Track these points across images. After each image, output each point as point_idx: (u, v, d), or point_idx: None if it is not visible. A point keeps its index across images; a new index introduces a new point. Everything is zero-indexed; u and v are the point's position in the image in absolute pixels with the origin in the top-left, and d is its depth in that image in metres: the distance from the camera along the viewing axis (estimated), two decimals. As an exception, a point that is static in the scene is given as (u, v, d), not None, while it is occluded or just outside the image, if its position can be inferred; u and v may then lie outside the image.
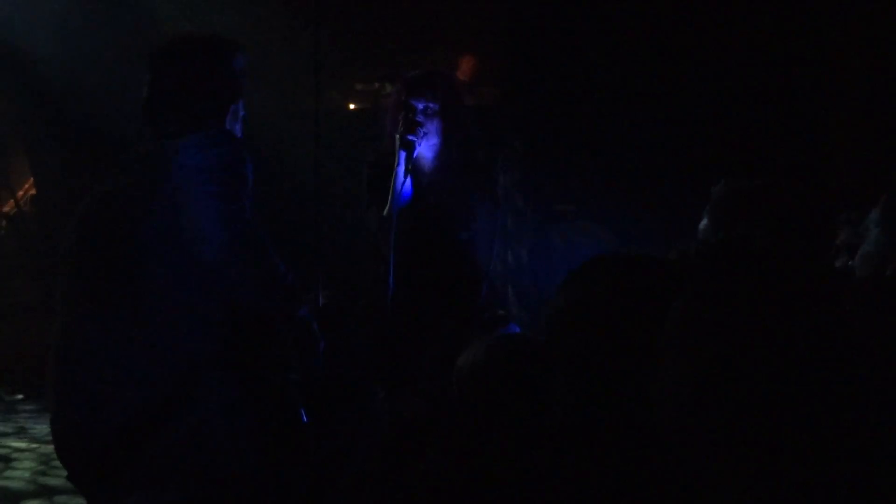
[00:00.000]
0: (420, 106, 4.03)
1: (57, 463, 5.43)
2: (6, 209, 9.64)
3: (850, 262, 3.18)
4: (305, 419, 2.55)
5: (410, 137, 3.95)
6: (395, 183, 3.91)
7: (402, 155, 3.92)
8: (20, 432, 6.43)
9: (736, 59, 6.43)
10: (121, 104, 7.40)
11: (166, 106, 2.59)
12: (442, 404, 3.70)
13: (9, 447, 6.03)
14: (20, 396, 7.46)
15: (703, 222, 3.06)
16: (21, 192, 9.75)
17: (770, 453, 1.26)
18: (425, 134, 4.01)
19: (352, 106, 8.90)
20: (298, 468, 2.52)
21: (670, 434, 1.37)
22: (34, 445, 6.05)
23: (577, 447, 1.74)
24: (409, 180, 3.92)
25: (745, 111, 6.39)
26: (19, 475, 5.47)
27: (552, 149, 7.00)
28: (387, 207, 3.91)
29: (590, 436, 1.69)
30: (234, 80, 2.70)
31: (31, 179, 9.34)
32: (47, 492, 5.14)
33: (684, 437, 1.35)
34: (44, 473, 5.47)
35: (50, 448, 5.93)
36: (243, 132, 2.72)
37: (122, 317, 2.40)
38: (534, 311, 6.66)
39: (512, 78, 7.63)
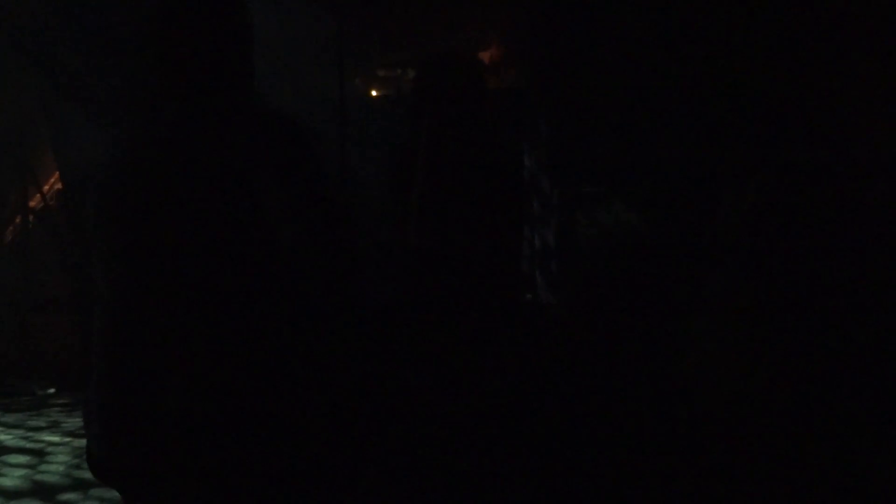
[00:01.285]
0: (443, 91, 3.95)
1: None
2: (33, 204, 9.67)
3: None
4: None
5: (434, 125, 3.88)
6: (419, 172, 3.87)
7: (427, 143, 3.87)
8: (53, 426, 6.46)
9: (766, 42, 6.36)
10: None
11: (180, 68, 2.46)
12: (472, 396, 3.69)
13: (43, 441, 6.05)
14: (52, 390, 7.50)
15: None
16: (47, 187, 9.78)
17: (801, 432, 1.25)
18: (449, 121, 3.94)
19: (374, 92, 8.88)
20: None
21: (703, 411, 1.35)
22: (67, 439, 6.08)
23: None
24: (434, 168, 3.88)
25: (774, 96, 6.33)
26: (54, 469, 5.49)
27: (578, 131, 6.95)
28: (412, 197, 3.87)
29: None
30: (248, 29, 2.54)
31: (57, 174, 9.38)
32: (83, 485, 5.15)
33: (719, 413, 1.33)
34: (78, 467, 5.48)
35: (83, 441, 5.97)
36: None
37: (179, 305, 2.33)
38: (561, 295, 6.63)
39: (537, 59, 7.58)
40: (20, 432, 6.34)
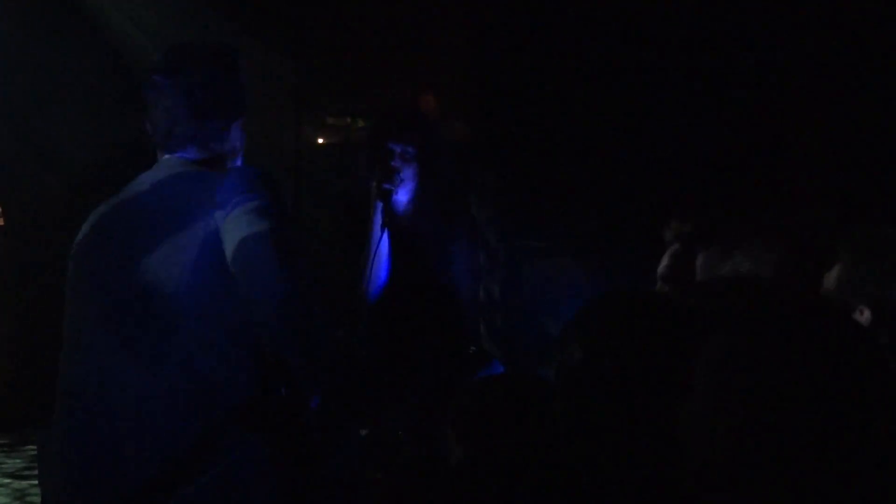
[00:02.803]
0: (398, 150, 3.94)
1: (33, 499, 5.41)
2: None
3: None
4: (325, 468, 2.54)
5: (387, 186, 3.87)
6: (371, 233, 3.87)
7: (379, 205, 3.87)
8: (-8, 468, 6.37)
9: (707, 92, 6.50)
10: (89, 132, 7.45)
11: (174, 122, 2.51)
12: (429, 451, 3.71)
13: (-19, 483, 5.96)
14: (-10, 430, 7.38)
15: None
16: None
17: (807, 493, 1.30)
18: (402, 181, 3.93)
19: (320, 140, 8.89)
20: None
21: (700, 476, 1.40)
22: (7, 481, 5.98)
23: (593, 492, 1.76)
24: (385, 228, 3.87)
25: (718, 147, 6.47)
26: (-6, 511, 5.43)
27: (524, 184, 7.04)
28: (364, 256, 3.88)
29: (609, 481, 1.71)
30: (243, 92, 2.62)
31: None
32: (23, 527, 5.11)
33: (717, 480, 1.38)
34: (19, 509, 5.43)
35: (24, 483, 5.89)
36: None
37: (148, 357, 2.34)
38: (505, 348, 6.69)
39: (482, 113, 7.67)
40: (-43, 474, 6.24)
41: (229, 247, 2.33)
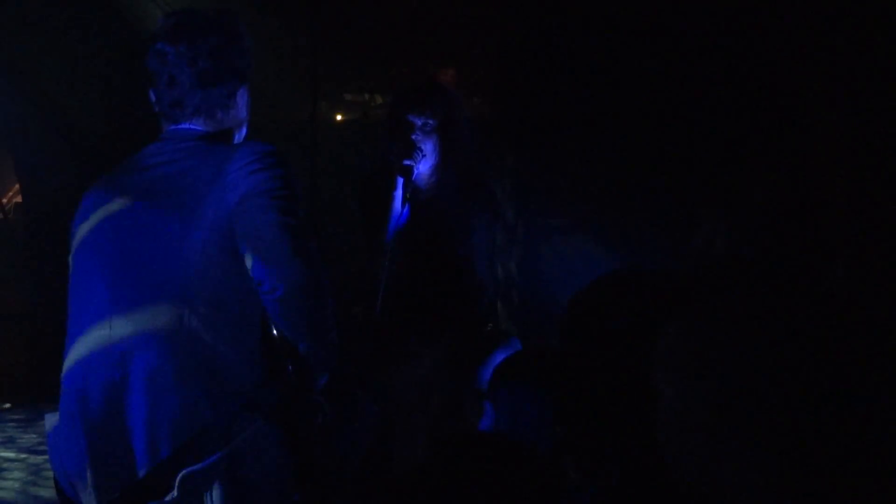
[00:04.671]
0: (419, 122, 3.90)
1: (47, 473, 5.41)
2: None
3: None
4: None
5: (408, 162, 3.84)
6: (392, 209, 3.84)
7: (401, 181, 3.84)
8: (8, 442, 6.37)
9: (730, 74, 6.44)
10: (109, 109, 7.45)
11: (179, 90, 2.48)
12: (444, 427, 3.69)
13: (-2, 457, 5.99)
14: (8, 405, 7.41)
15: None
16: (6, 200, 9.69)
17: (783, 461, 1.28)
18: (424, 156, 3.90)
19: (339, 117, 8.86)
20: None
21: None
22: (23, 455, 6.00)
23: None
24: (407, 203, 3.84)
25: (738, 128, 6.40)
26: (9, 486, 5.42)
27: (544, 162, 6.99)
28: (384, 232, 3.85)
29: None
30: (248, 57, 2.58)
31: (17, 186, 9.28)
32: (39, 503, 5.10)
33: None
34: (34, 484, 5.43)
35: (40, 458, 5.91)
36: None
37: (156, 337, 2.31)
38: (523, 326, 6.66)
39: (503, 89, 7.62)
40: (-26, 448, 6.26)
41: (242, 231, 2.30)
